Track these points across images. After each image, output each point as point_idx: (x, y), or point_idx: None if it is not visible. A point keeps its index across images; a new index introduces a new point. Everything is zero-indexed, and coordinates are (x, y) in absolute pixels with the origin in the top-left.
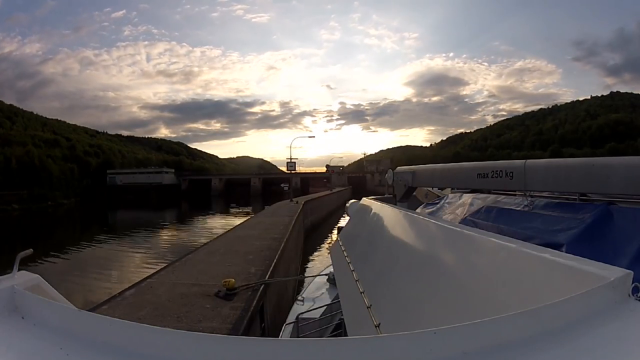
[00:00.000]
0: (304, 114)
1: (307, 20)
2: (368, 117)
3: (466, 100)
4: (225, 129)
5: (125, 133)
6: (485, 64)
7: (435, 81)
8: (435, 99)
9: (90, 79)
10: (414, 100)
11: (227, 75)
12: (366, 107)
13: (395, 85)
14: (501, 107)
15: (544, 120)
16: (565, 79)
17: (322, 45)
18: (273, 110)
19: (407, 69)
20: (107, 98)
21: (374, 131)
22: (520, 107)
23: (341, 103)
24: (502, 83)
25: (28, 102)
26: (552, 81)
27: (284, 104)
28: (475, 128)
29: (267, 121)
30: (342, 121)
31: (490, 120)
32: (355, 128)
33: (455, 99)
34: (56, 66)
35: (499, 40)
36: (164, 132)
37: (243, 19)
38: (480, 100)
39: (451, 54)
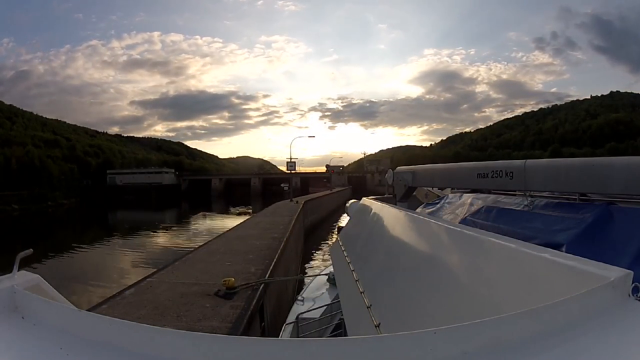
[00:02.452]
0: (307, 109)
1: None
2: (376, 114)
3: (480, 99)
4: (227, 126)
5: (115, 129)
6: (504, 62)
7: (448, 77)
8: (447, 96)
9: (73, 71)
10: (425, 97)
11: (224, 68)
12: (373, 103)
13: (406, 81)
14: (516, 102)
15: (544, 120)
16: (588, 74)
17: (334, 28)
18: (275, 106)
19: (419, 63)
20: (94, 93)
21: (381, 128)
22: (538, 104)
23: (347, 98)
24: (518, 79)
25: (5, 98)
26: (574, 78)
27: (286, 99)
28: (481, 126)
29: (268, 116)
30: (347, 117)
31: (497, 118)
32: (360, 125)
33: (467, 96)
34: (34, 58)
35: (522, 33)
36: (159, 129)
37: None
38: (494, 96)
39: (472, 52)
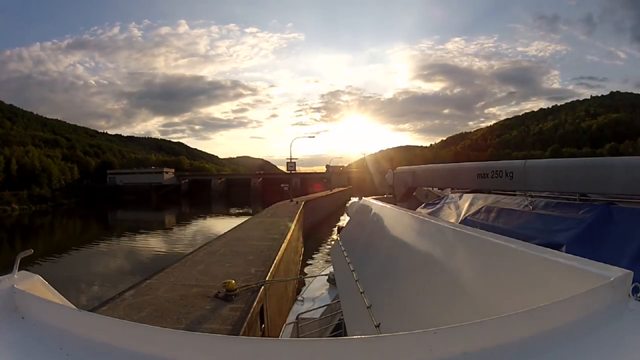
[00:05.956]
0: (312, 102)
1: None
2: (382, 110)
3: (498, 96)
4: (231, 122)
5: (102, 123)
6: (526, 56)
7: (464, 73)
8: (462, 92)
9: (50, 62)
10: (439, 93)
11: (223, 57)
12: (380, 97)
13: (418, 76)
14: (532, 99)
15: (544, 120)
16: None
17: (347, 14)
18: (278, 96)
19: (434, 57)
20: (73, 87)
21: (388, 125)
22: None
23: (354, 92)
24: (536, 75)
25: None
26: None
27: (290, 90)
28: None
29: (272, 110)
30: (351, 112)
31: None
32: (364, 121)
33: (483, 93)
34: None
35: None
36: (153, 123)
37: None
38: (512, 91)
39: (492, 45)
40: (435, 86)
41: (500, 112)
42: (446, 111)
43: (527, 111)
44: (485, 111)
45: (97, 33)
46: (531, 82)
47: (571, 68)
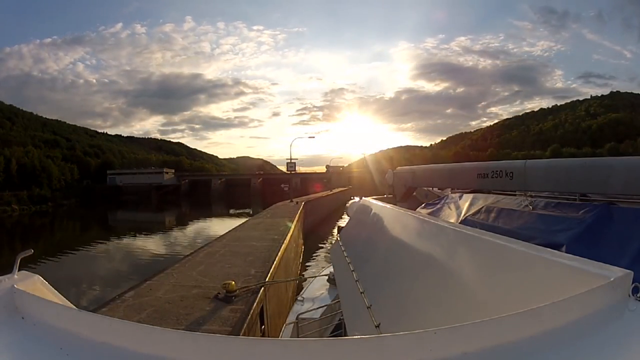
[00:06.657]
0: (313, 100)
1: None
2: (384, 109)
3: (501, 95)
4: (232, 121)
5: (98, 122)
6: (531, 55)
7: (467, 72)
8: (465, 91)
9: (41, 59)
10: (442, 93)
11: (223, 55)
12: (381, 97)
13: (421, 74)
14: (535, 98)
15: (544, 120)
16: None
17: (351, 9)
18: (278, 94)
19: (439, 56)
20: (64, 82)
21: (391, 124)
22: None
23: (355, 90)
24: (541, 74)
25: None
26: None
27: (291, 89)
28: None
29: (273, 109)
30: (351, 111)
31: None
32: (366, 120)
33: (483, 93)
34: None
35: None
36: (152, 122)
37: None
38: (516, 90)
39: (498, 42)
40: (438, 85)
41: (503, 112)
42: (449, 111)
43: (527, 111)
44: (488, 110)
45: (99, 30)
46: (536, 81)
47: (577, 66)
